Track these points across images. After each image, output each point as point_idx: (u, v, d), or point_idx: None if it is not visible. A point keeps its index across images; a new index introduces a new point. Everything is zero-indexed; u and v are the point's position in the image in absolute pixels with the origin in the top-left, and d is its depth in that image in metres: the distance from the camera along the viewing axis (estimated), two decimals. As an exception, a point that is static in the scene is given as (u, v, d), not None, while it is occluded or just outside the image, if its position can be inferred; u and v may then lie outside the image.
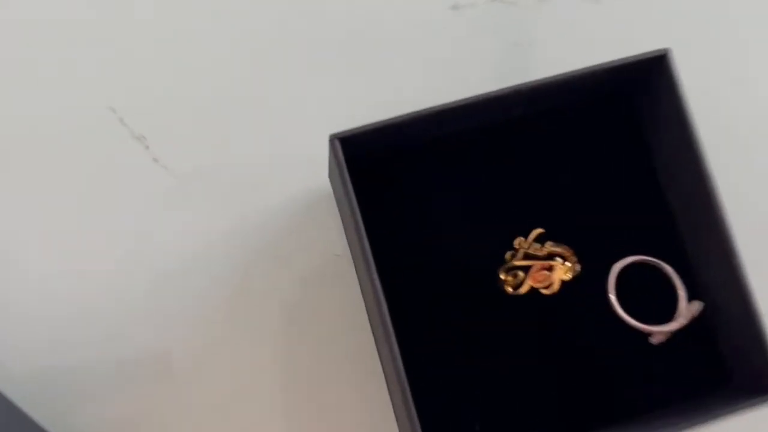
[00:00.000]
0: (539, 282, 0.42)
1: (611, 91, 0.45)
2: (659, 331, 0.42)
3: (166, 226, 0.47)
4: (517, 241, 0.43)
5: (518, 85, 0.39)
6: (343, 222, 0.45)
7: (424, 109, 0.38)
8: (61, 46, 0.48)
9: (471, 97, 0.39)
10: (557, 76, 0.39)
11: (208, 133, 0.48)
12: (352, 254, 0.44)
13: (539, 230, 0.43)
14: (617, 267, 0.42)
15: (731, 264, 0.38)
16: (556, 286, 0.42)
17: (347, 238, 0.45)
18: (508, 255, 0.43)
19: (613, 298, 0.42)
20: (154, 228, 0.47)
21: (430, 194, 0.44)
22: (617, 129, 0.46)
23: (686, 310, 0.42)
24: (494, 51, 0.50)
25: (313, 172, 0.46)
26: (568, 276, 0.42)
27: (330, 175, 0.43)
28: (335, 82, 0.49)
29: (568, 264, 0.42)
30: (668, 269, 0.43)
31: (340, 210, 0.44)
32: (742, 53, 0.51)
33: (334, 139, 0.37)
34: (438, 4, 0.50)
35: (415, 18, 0.50)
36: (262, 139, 0.48)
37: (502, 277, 0.43)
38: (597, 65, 0.40)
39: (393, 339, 0.35)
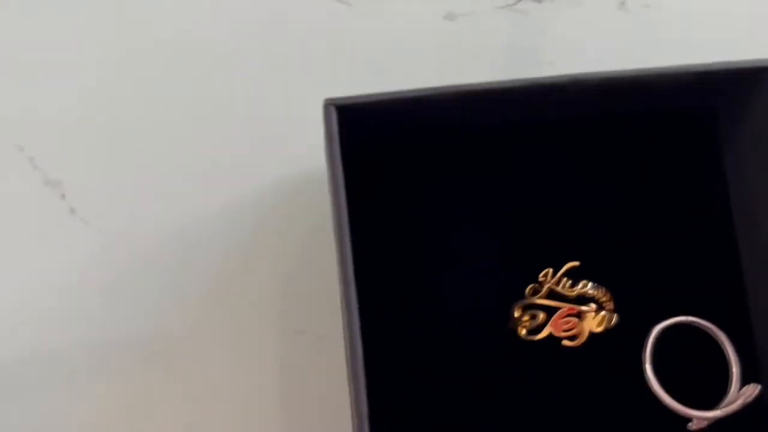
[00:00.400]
0: (563, 330, 0.33)
1: (682, 101, 0.36)
2: (702, 417, 0.33)
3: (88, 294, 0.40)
4: (544, 274, 0.34)
5: (565, 76, 0.31)
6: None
7: (444, 88, 0.29)
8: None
9: (502, 82, 0.30)
10: (619, 73, 0.32)
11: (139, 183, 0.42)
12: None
13: (573, 263, 0.34)
14: (658, 329, 0.34)
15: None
16: (582, 338, 0.33)
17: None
18: (528, 289, 0.34)
19: (649, 369, 0.33)
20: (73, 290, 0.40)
21: (435, 199, 0.36)
22: (686, 148, 0.37)
23: (739, 393, 0.34)
24: (500, 67, 0.43)
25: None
26: (600, 328, 0.34)
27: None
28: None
29: (603, 313, 0.34)
30: (722, 338, 0.34)
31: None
32: None
33: (329, 105, 0.29)
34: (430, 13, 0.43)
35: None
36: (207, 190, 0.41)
37: (517, 315, 0.34)
38: (676, 67, 0.31)
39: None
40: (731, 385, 0.34)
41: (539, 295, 0.34)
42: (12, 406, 0.38)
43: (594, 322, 0.33)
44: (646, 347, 0.34)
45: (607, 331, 0.34)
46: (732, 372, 0.34)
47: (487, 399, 0.34)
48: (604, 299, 0.34)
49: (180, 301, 0.40)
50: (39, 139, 0.41)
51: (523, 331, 0.34)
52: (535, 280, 0.34)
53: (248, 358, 0.39)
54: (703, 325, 0.34)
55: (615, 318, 0.34)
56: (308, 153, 0.38)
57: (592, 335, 0.34)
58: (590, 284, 0.34)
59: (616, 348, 0.34)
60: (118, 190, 0.41)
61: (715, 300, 0.36)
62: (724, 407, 0.33)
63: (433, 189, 0.36)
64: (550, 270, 0.34)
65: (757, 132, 0.33)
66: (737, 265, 0.36)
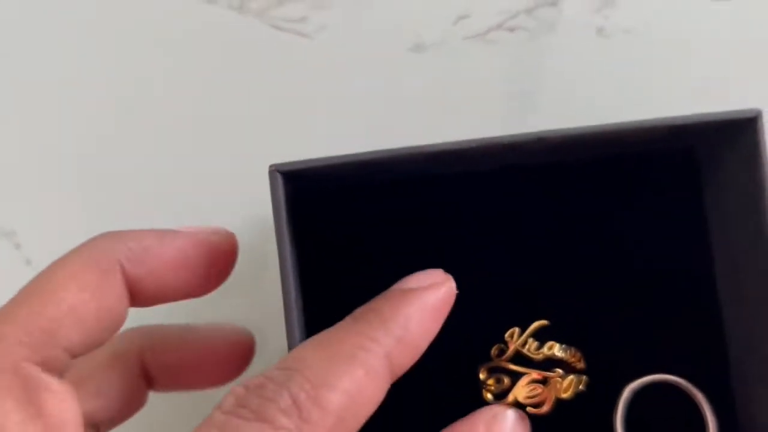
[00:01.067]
0: (527, 398, 0.31)
1: (661, 145, 0.34)
2: (679, 482, 0.31)
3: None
4: (510, 334, 0.32)
5: (531, 134, 0.29)
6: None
7: (398, 150, 0.28)
8: None
9: (460, 142, 0.28)
10: (588, 128, 0.29)
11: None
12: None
13: (541, 322, 0.32)
14: (630, 388, 0.32)
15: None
16: (546, 407, 0.31)
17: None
18: (494, 350, 0.32)
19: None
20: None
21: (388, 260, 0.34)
22: (665, 193, 0.35)
23: None
24: (472, 100, 0.41)
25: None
26: (567, 394, 0.31)
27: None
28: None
29: (571, 377, 0.32)
30: (700, 397, 0.32)
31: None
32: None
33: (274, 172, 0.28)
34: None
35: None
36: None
37: (482, 377, 0.32)
38: (652, 120, 0.29)
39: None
40: (709, 446, 0.32)
41: (505, 356, 0.32)
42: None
43: (561, 389, 0.32)
44: (617, 409, 0.32)
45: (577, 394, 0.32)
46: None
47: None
48: (573, 360, 0.32)
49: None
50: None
51: (489, 396, 0.32)
52: (500, 338, 0.33)
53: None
54: (679, 384, 0.32)
55: (585, 380, 0.32)
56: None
57: (560, 400, 0.32)
58: (558, 346, 0.32)
59: (587, 411, 0.32)
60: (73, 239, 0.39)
61: (693, 357, 0.34)
62: (702, 470, 0.31)
63: (386, 251, 0.35)
64: (516, 330, 0.32)
65: (740, 181, 0.31)
66: (718, 320, 0.34)
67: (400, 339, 0.22)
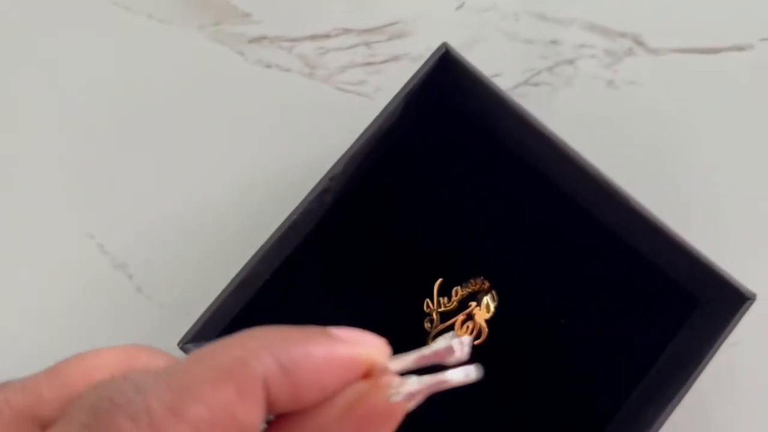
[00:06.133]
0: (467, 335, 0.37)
1: None
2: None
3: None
4: (425, 305, 0.39)
5: None
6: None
7: None
8: (37, 170, 0.48)
9: None
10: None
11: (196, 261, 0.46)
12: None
13: (437, 282, 0.39)
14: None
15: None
16: (483, 335, 0.37)
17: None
18: (426, 324, 0.39)
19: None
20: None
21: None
22: None
23: None
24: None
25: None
26: (490, 313, 0.37)
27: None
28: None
29: (484, 298, 0.37)
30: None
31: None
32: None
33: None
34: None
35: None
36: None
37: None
38: None
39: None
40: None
41: (435, 324, 0.38)
42: None
43: (483, 314, 0.37)
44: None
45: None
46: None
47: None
48: (477, 286, 0.38)
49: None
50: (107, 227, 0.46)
51: None
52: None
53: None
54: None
55: (493, 293, 0.38)
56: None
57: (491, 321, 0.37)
58: (459, 288, 0.38)
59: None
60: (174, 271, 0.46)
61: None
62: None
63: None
64: (427, 300, 0.38)
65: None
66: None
67: (286, 371, 0.17)
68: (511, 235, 0.40)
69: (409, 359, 0.19)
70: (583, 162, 0.36)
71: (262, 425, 0.17)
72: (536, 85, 0.49)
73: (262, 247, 0.35)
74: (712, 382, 0.41)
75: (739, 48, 0.48)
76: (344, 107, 0.49)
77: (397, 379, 0.18)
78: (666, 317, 0.39)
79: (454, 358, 0.18)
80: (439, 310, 0.38)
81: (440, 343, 0.19)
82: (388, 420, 0.18)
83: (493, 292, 0.38)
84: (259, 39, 0.50)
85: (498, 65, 0.49)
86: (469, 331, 0.37)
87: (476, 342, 0.37)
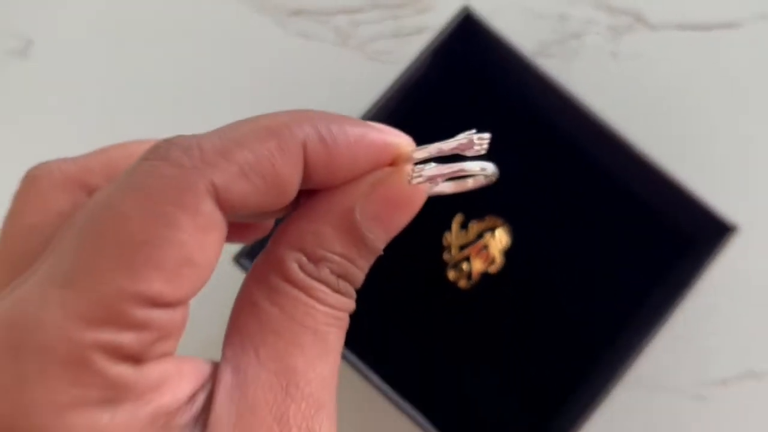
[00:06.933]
0: (483, 263, 0.42)
1: None
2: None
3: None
4: (444, 239, 0.43)
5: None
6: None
7: None
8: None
9: None
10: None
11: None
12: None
13: (458, 218, 0.43)
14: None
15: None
16: (498, 260, 0.42)
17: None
18: (445, 255, 0.44)
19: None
20: None
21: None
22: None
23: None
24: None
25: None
26: (504, 242, 0.42)
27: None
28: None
29: (499, 229, 0.42)
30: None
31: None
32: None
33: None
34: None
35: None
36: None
37: (451, 278, 0.43)
38: None
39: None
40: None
41: (454, 254, 0.43)
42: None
43: (498, 244, 0.42)
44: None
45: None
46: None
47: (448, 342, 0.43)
48: (492, 223, 0.42)
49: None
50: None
51: (463, 283, 0.43)
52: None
53: None
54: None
55: (508, 227, 0.42)
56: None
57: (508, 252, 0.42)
58: (476, 222, 0.42)
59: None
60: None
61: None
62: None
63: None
64: (446, 233, 0.43)
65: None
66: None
67: (323, 141, 0.18)
68: (522, 180, 0.45)
69: (433, 149, 0.20)
70: (587, 110, 0.41)
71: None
72: (549, 56, 0.54)
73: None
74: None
75: (731, 25, 0.54)
76: (373, 73, 0.55)
77: (419, 166, 0.19)
78: (656, 250, 0.44)
79: (473, 151, 0.20)
80: (457, 242, 0.43)
81: (461, 136, 0.20)
82: (408, 202, 0.20)
83: (508, 225, 0.43)
84: (298, 12, 0.55)
85: (514, 37, 0.54)
86: (484, 258, 0.42)
87: (490, 270, 0.42)
